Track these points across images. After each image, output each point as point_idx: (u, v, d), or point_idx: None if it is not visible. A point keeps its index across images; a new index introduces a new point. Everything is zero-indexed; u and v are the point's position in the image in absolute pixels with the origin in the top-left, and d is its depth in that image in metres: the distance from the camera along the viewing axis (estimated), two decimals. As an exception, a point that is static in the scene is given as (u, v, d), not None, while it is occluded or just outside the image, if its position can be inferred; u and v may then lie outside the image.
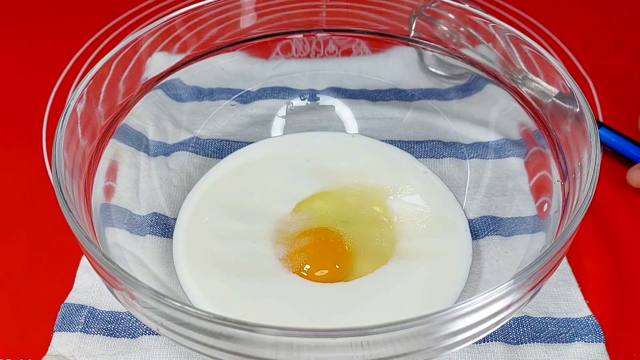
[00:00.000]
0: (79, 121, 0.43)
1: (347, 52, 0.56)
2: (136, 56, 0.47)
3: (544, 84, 0.45)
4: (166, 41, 0.49)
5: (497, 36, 0.48)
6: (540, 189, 0.47)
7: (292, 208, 0.49)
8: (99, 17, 0.69)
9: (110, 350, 0.43)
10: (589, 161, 0.39)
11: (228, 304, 0.44)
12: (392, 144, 0.54)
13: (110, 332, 0.44)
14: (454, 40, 0.50)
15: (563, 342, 0.43)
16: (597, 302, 0.45)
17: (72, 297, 0.45)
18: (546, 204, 0.44)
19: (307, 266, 0.45)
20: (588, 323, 0.44)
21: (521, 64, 0.47)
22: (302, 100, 0.57)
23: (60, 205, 0.37)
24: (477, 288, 0.45)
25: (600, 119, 0.59)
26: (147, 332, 0.44)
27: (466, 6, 0.49)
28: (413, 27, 0.42)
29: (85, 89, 0.43)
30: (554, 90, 0.44)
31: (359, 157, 0.53)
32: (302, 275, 0.45)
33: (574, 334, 0.43)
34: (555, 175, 0.44)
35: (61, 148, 0.39)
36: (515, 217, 0.48)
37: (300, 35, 0.55)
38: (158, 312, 0.34)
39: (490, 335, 0.43)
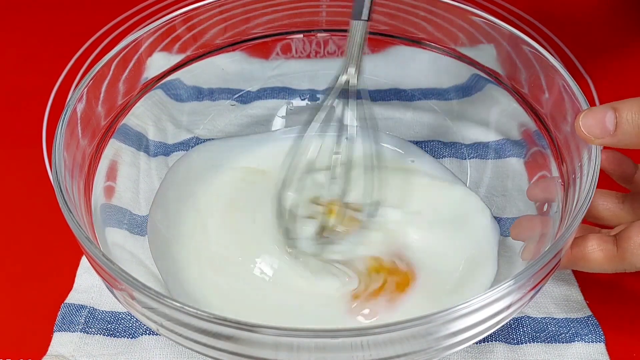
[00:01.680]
0: (79, 121, 0.43)
1: (348, 52, 0.56)
2: (136, 56, 0.47)
3: None
4: (166, 41, 0.49)
5: (497, 36, 0.48)
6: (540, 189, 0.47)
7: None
8: (99, 17, 0.69)
9: (110, 350, 0.43)
10: (589, 161, 0.39)
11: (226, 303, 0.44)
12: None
13: (110, 332, 0.44)
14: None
15: (563, 342, 0.43)
16: (597, 302, 0.45)
17: (72, 297, 0.46)
18: (546, 204, 0.44)
19: None
20: (588, 323, 0.44)
21: (521, 64, 0.47)
22: (302, 100, 0.57)
23: (60, 205, 0.37)
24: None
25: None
26: (147, 332, 0.44)
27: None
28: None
29: (85, 89, 0.43)
30: None
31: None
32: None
33: (574, 334, 0.43)
34: (555, 176, 0.44)
35: (61, 148, 0.39)
36: (515, 217, 0.48)
37: (300, 35, 0.55)
38: (158, 312, 0.34)
39: (491, 335, 0.43)
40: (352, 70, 0.45)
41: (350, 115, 0.46)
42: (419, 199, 0.49)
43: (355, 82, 0.45)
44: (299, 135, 0.47)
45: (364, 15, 0.44)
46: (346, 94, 0.46)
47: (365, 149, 0.48)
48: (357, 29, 0.45)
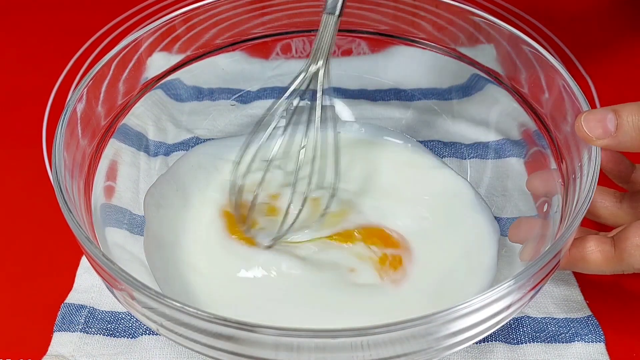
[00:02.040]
0: (79, 121, 0.43)
1: (347, 52, 0.56)
2: (136, 56, 0.47)
3: None
4: (166, 41, 0.49)
5: (497, 36, 0.48)
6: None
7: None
8: (99, 17, 0.69)
9: (110, 350, 0.43)
10: (589, 161, 0.39)
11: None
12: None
13: (110, 332, 0.44)
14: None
15: (563, 342, 0.43)
16: (597, 302, 0.45)
17: (72, 297, 0.46)
18: (546, 204, 0.44)
19: None
20: (588, 323, 0.44)
21: (521, 64, 0.47)
22: (302, 100, 0.57)
23: (60, 205, 0.37)
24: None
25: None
26: (147, 332, 0.44)
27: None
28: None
29: (85, 89, 0.43)
30: None
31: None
32: None
33: (574, 334, 0.43)
34: (555, 176, 0.44)
35: (61, 148, 0.39)
36: (515, 217, 0.48)
37: (301, 35, 0.55)
38: (158, 312, 0.34)
39: (491, 335, 0.43)
40: (320, 62, 0.45)
41: (314, 109, 0.46)
42: (414, 189, 0.50)
43: (322, 74, 0.45)
44: (255, 130, 0.47)
45: (337, 10, 0.44)
46: (311, 90, 0.46)
47: (326, 139, 0.48)
48: (329, 23, 0.45)
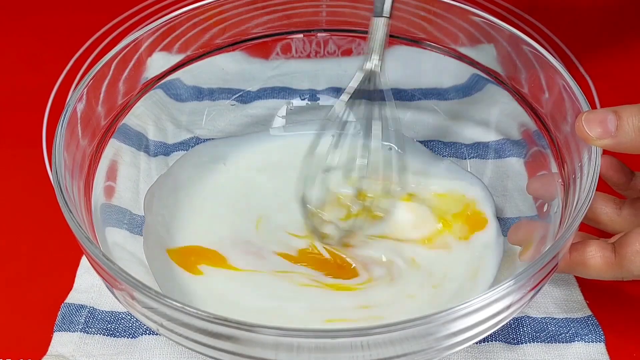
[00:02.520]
0: (79, 121, 0.43)
1: (347, 52, 0.56)
2: (136, 56, 0.47)
3: None
4: (166, 41, 0.49)
5: (497, 36, 0.48)
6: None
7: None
8: (99, 17, 0.69)
9: (110, 350, 0.43)
10: (589, 161, 0.39)
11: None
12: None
13: (110, 332, 0.44)
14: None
15: (563, 342, 0.43)
16: (597, 302, 0.45)
17: (72, 297, 0.46)
18: (546, 205, 0.44)
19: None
20: (588, 323, 0.44)
21: (521, 64, 0.48)
22: (302, 100, 0.57)
23: (60, 205, 0.37)
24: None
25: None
26: (147, 332, 0.44)
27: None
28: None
29: (85, 89, 0.43)
30: None
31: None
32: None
33: (574, 334, 0.43)
34: (555, 172, 0.44)
35: (61, 148, 0.39)
36: (515, 217, 0.48)
37: (300, 35, 0.55)
38: (158, 312, 0.34)
39: (491, 335, 0.43)
40: (375, 58, 0.46)
41: (375, 111, 0.47)
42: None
43: (379, 70, 0.46)
44: (318, 132, 0.48)
45: (386, 12, 0.45)
46: (367, 92, 0.46)
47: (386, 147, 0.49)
48: (379, 26, 0.45)
